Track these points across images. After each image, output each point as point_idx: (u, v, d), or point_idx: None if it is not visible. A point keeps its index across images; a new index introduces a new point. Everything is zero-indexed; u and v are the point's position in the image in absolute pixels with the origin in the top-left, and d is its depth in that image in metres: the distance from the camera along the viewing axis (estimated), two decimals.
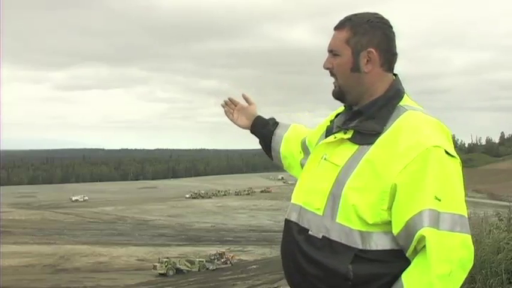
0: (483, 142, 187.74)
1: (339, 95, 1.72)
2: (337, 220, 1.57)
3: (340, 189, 1.58)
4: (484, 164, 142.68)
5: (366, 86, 1.67)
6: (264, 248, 56.15)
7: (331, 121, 1.79)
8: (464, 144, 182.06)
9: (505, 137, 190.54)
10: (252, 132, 2.26)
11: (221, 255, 50.42)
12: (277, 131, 2.19)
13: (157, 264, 46.98)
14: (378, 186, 1.54)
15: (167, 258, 48.97)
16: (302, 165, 1.94)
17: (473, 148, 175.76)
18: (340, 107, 1.85)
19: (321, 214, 1.61)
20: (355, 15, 1.69)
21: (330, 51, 1.70)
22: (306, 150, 2.03)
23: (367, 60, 1.65)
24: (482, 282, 4.32)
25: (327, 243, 1.58)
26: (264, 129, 2.22)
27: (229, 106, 2.32)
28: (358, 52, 1.65)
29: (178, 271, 47.27)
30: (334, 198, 1.59)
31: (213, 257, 50.28)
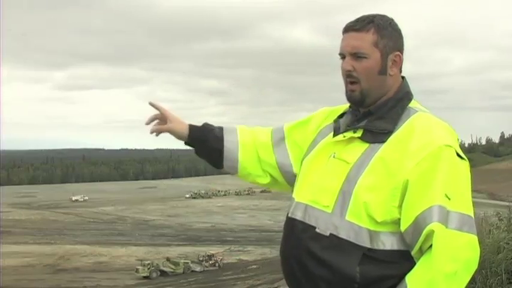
0: (483, 142, 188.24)
1: (360, 99, 1.68)
2: (347, 218, 1.57)
3: (352, 187, 1.58)
4: (484, 164, 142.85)
5: (386, 88, 1.69)
6: (264, 248, 56.10)
7: (335, 120, 1.79)
8: (464, 144, 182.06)
9: (505, 137, 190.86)
10: (192, 139, 1.99)
11: (210, 256, 49.44)
12: (228, 138, 1.98)
13: (140, 267, 45.97)
14: (390, 183, 1.55)
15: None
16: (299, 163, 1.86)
17: (473, 148, 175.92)
18: (338, 106, 1.85)
19: (330, 211, 1.61)
20: (374, 16, 1.67)
21: (353, 53, 1.65)
22: (295, 148, 1.92)
23: (392, 63, 1.67)
24: (482, 282, 4.32)
25: (335, 241, 1.57)
26: (208, 135, 1.98)
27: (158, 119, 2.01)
28: (386, 55, 1.66)
29: (163, 273, 46.30)
30: (344, 195, 1.59)
31: (201, 258, 49.51)
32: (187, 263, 48.39)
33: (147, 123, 2.00)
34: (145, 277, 45.28)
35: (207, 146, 1.98)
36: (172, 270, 47.07)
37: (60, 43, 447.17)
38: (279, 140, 1.94)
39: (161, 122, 1.99)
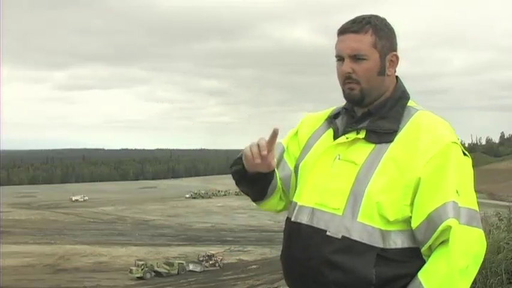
0: (483, 142, 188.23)
1: (359, 98, 1.67)
2: (359, 219, 1.57)
3: (363, 188, 1.58)
4: (484, 164, 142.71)
5: (384, 88, 1.69)
6: (264, 248, 56.15)
7: (331, 121, 1.77)
8: (464, 144, 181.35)
9: (505, 137, 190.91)
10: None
11: (210, 256, 49.52)
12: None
13: (134, 268, 45.93)
14: (401, 182, 1.56)
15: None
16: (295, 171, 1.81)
17: (473, 148, 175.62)
18: (330, 109, 1.84)
19: (341, 214, 1.59)
20: (370, 17, 1.67)
21: (353, 55, 1.64)
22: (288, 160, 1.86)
23: (389, 64, 1.68)
24: (482, 282, 4.31)
25: (347, 243, 1.57)
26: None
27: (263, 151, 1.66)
28: (384, 56, 1.66)
29: (157, 274, 46.28)
30: (355, 197, 1.58)
31: (201, 258, 49.55)
32: (182, 263, 48.22)
33: (265, 154, 1.64)
34: (139, 278, 45.20)
35: (272, 174, 1.75)
36: (167, 271, 46.98)
37: (60, 43, 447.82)
38: (280, 155, 1.85)
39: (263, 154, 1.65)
